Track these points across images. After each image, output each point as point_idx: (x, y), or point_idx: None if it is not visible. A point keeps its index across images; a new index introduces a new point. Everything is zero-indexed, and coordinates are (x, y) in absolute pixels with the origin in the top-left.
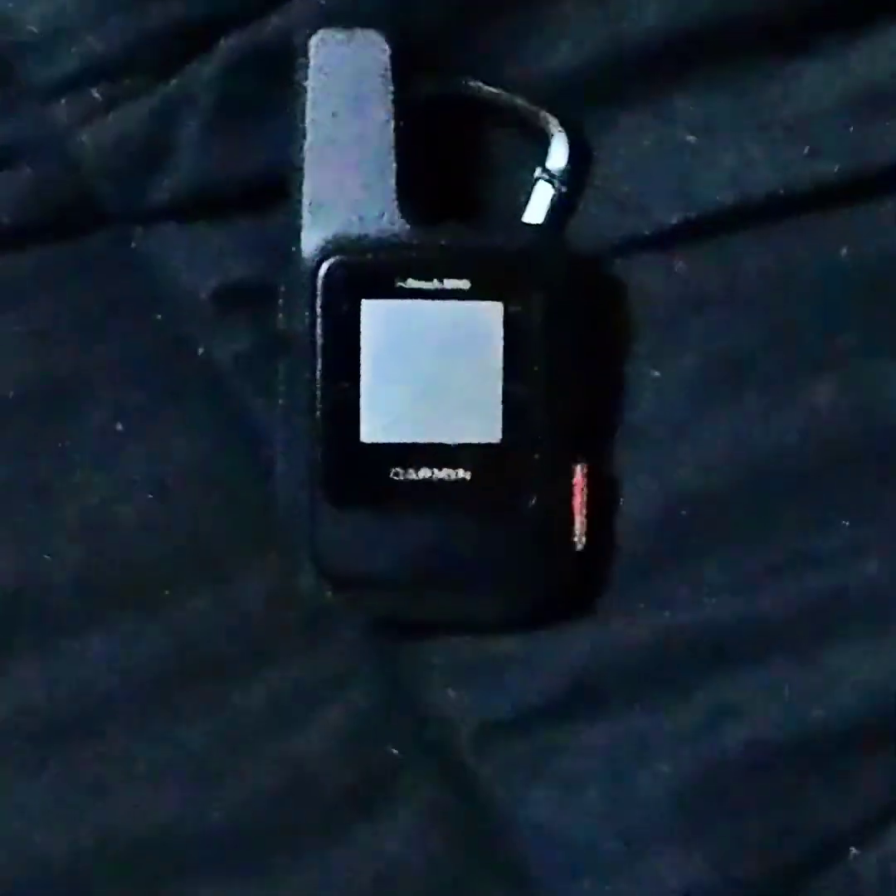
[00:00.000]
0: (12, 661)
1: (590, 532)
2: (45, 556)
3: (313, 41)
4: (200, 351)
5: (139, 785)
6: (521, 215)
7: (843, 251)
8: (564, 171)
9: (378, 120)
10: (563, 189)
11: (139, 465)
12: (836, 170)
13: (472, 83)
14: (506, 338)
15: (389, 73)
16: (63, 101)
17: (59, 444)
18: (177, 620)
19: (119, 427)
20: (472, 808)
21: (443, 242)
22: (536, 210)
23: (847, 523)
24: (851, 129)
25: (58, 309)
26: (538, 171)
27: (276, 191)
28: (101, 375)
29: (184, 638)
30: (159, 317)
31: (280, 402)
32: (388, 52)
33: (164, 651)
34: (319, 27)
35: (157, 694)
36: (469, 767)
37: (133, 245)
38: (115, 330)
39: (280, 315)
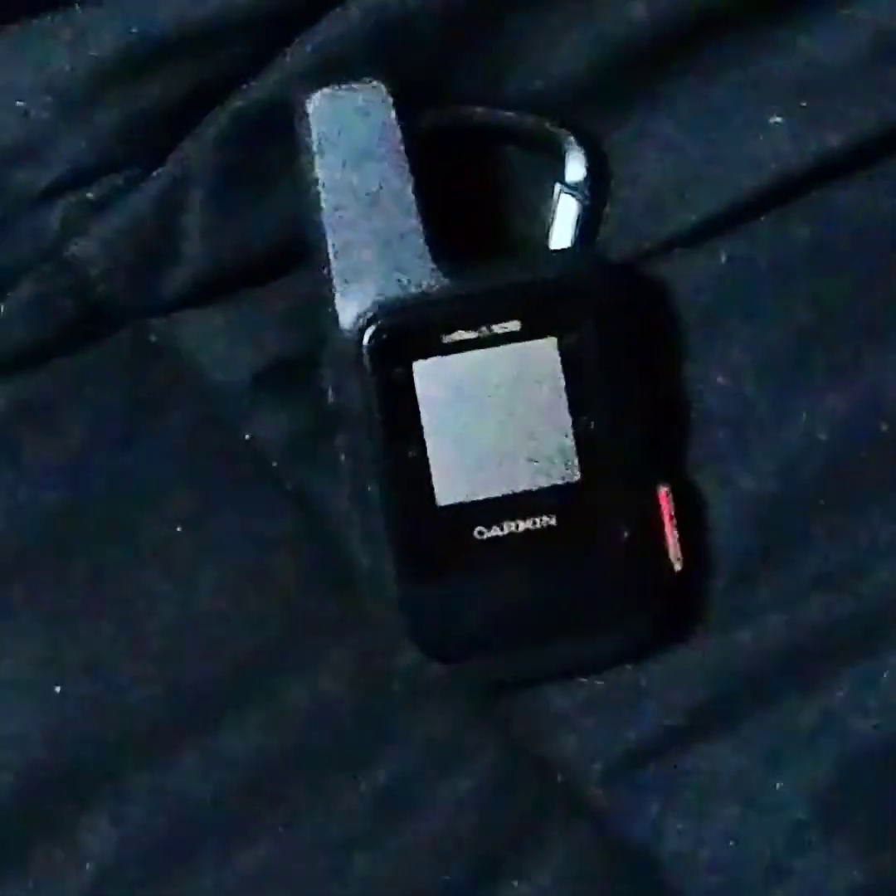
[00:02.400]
0: (111, 795)
1: (684, 550)
2: (127, 679)
3: (312, 101)
4: (247, 437)
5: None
6: (547, 233)
7: (885, 206)
8: (585, 183)
9: (394, 170)
10: (587, 202)
11: (207, 567)
12: (858, 130)
13: (474, 110)
14: (566, 372)
15: (395, 120)
16: (56, 208)
17: (125, 560)
18: (273, 719)
19: (179, 530)
20: (611, 847)
21: (484, 287)
22: (564, 227)
23: None
24: (863, 87)
25: (89, 421)
26: (558, 187)
27: (294, 257)
28: (149, 481)
29: (283, 737)
30: (196, 410)
31: (347, 478)
32: (390, 98)
33: (263, 754)
34: (310, 84)
35: (262, 799)
36: (602, 807)
37: (154, 340)
38: (153, 432)
39: (328, 390)
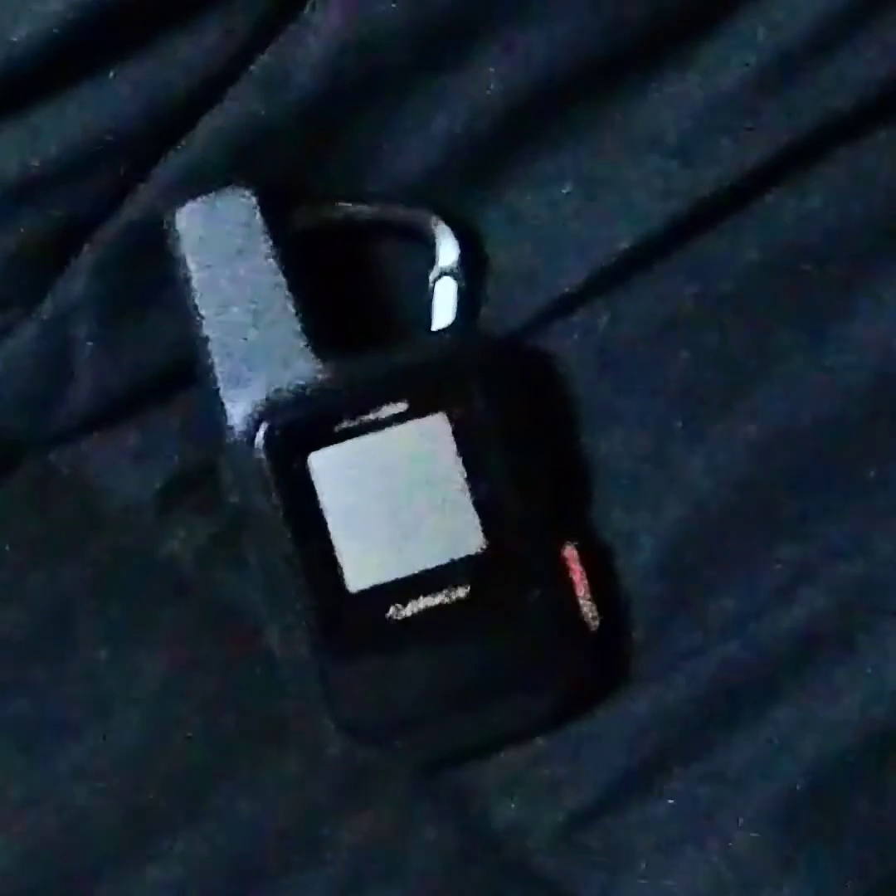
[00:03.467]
0: None
1: (601, 605)
2: (66, 807)
3: (180, 215)
4: (160, 552)
5: None
6: (429, 318)
7: (753, 253)
8: (459, 264)
9: (267, 271)
10: (463, 282)
11: (133, 690)
12: (721, 174)
13: (341, 205)
14: (459, 445)
15: (262, 223)
16: None
17: (49, 690)
18: (225, 828)
19: (102, 655)
20: None
21: (369, 373)
22: (443, 309)
23: (846, 517)
24: (723, 135)
25: (4, 555)
26: (433, 272)
27: (186, 370)
28: (68, 610)
29: (237, 843)
30: (107, 534)
31: (258, 576)
32: (255, 202)
33: (220, 862)
34: (180, 199)
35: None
36: (553, 877)
37: (56, 470)
38: (69, 559)
39: (229, 492)
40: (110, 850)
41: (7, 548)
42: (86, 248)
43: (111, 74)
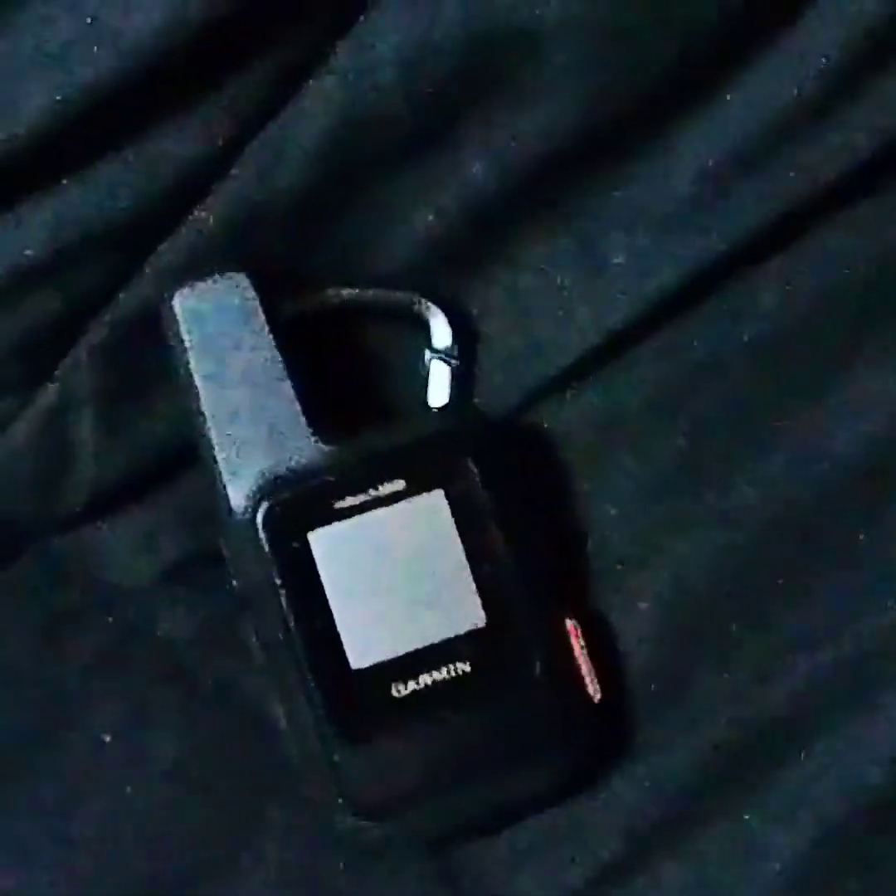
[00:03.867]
0: None
1: (601, 678)
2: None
3: (177, 301)
4: (159, 633)
5: None
6: (422, 398)
7: (745, 335)
8: (452, 346)
9: (264, 355)
10: (456, 362)
11: (137, 774)
12: (710, 246)
13: (334, 291)
14: (457, 522)
15: (259, 307)
16: None
17: (55, 773)
18: None
19: (107, 740)
20: None
21: (367, 452)
22: (438, 390)
23: (847, 572)
24: (707, 210)
25: (5, 642)
26: (427, 354)
27: (187, 454)
28: (71, 695)
29: None
30: (109, 620)
31: (260, 658)
32: (251, 287)
33: None
34: (176, 285)
35: None
36: None
37: (65, 557)
38: (70, 647)
39: (231, 572)
40: None
41: (9, 635)
42: (84, 336)
43: (98, 166)
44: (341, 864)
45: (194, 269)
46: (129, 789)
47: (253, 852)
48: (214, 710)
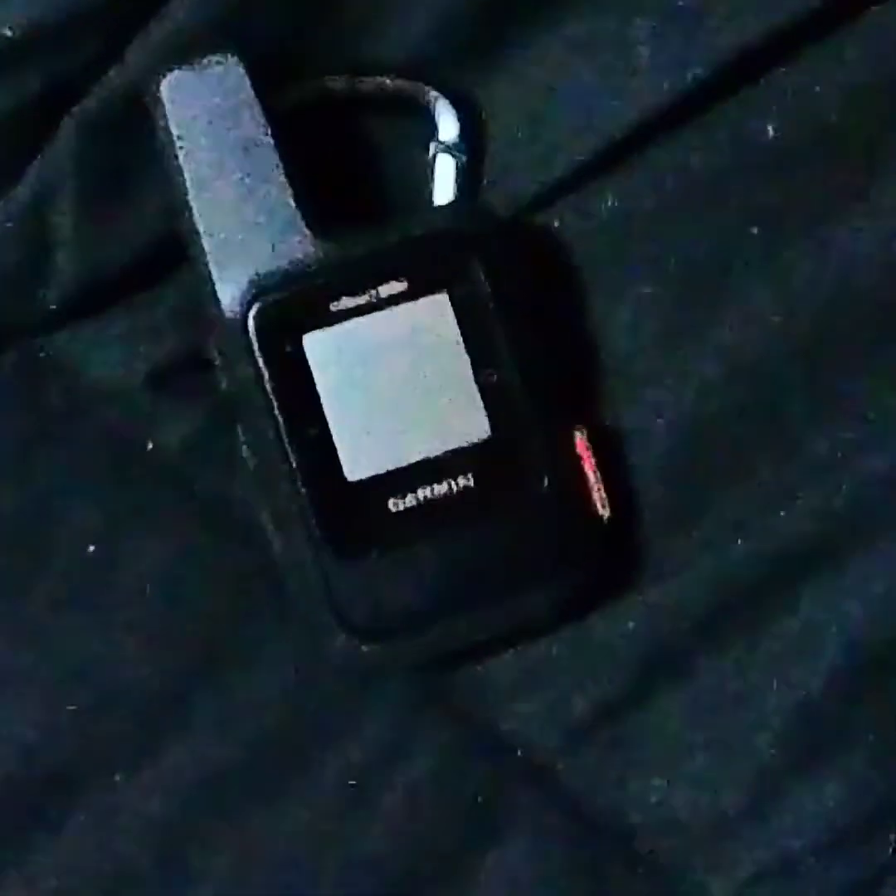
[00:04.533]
0: (57, 821)
1: (610, 495)
2: (61, 707)
3: (165, 84)
4: (149, 445)
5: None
6: (427, 194)
7: (769, 126)
8: (459, 139)
9: (257, 144)
10: (464, 157)
11: (125, 583)
12: (732, 44)
13: (337, 80)
14: (461, 326)
15: (252, 93)
16: None
17: (38, 584)
18: (219, 727)
19: (91, 548)
20: (580, 816)
21: (366, 250)
22: (444, 187)
23: (867, 411)
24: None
25: None
26: (433, 147)
27: (175, 251)
28: (56, 501)
29: (231, 745)
30: (95, 424)
31: (252, 467)
32: (244, 71)
33: (213, 764)
34: (164, 69)
35: (217, 808)
36: (564, 776)
37: (43, 355)
38: (55, 451)
39: (221, 378)
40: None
41: None
42: (66, 122)
43: None
44: (330, 688)
45: (184, 52)
46: (112, 601)
47: (239, 670)
48: (204, 522)
